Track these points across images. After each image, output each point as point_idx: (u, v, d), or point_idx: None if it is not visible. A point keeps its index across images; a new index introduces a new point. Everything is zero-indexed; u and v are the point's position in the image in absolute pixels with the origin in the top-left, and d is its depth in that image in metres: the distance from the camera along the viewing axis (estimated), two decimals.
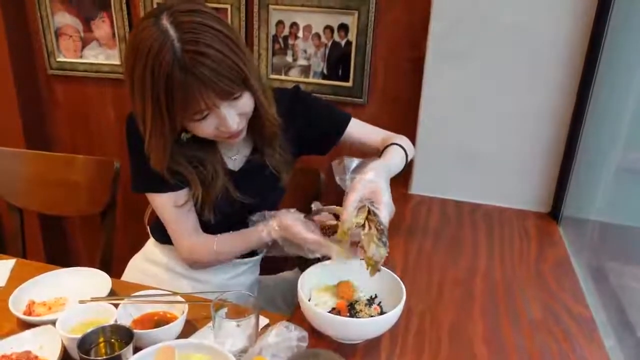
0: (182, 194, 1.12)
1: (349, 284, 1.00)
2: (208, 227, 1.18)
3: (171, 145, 1.03)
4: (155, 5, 1.83)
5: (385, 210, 0.96)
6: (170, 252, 1.27)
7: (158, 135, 0.99)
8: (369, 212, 0.94)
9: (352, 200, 0.95)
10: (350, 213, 0.94)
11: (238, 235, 1.17)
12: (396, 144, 1.20)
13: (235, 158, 1.18)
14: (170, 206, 1.12)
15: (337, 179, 1.03)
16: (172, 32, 0.90)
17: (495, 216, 1.46)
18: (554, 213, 1.46)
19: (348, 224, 0.94)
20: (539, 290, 1.11)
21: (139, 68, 0.93)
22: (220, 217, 1.16)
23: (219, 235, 1.18)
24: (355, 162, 1.03)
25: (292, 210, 1.12)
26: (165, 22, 0.91)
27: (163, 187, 1.10)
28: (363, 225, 0.94)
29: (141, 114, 0.99)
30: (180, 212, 1.13)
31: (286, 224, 1.08)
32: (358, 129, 1.27)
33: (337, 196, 1.07)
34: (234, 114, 1.00)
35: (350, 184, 0.99)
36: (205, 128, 1.00)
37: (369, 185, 0.97)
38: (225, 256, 1.20)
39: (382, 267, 1.00)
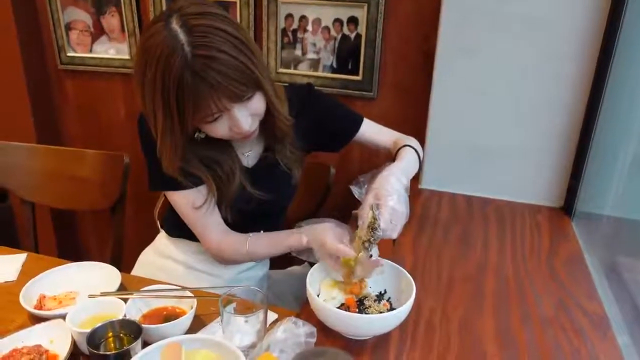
0: (200, 193, 1.11)
1: (362, 282, 0.99)
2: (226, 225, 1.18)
3: (183, 148, 1.02)
4: None
5: (387, 214, 0.95)
6: (181, 246, 1.28)
7: (169, 138, 0.99)
8: (373, 217, 0.94)
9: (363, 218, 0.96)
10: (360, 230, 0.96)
11: (271, 237, 1.16)
12: (408, 146, 1.20)
13: (248, 154, 1.18)
14: (191, 207, 1.12)
15: (356, 195, 1.03)
16: (182, 36, 0.89)
17: (507, 211, 1.45)
18: (567, 208, 1.44)
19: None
20: (551, 286, 1.10)
21: (150, 73, 0.92)
22: (236, 215, 1.16)
23: (251, 235, 1.17)
24: (368, 175, 1.04)
25: (334, 221, 1.08)
26: (175, 25, 0.90)
27: (181, 185, 1.10)
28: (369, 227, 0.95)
29: (152, 117, 0.99)
30: (201, 212, 1.12)
31: (320, 236, 1.03)
32: (370, 129, 1.26)
33: (347, 190, 1.06)
34: (246, 115, 0.99)
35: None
36: (218, 129, 1.00)
37: (374, 192, 0.98)
38: (257, 257, 1.20)
39: (392, 263, 1.00)
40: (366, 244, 0.94)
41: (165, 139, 0.99)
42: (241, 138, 1.04)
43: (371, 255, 0.96)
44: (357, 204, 1.01)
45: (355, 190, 1.03)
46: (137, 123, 1.11)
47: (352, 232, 1.02)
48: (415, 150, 1.19)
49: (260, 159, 1.19)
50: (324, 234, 1.01)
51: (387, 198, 0.96)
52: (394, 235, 0.97)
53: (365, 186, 1.01)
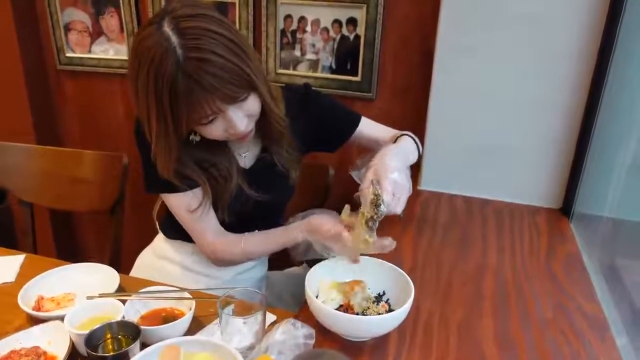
0: (195, 196, 1.11)
1: (360, 283, 0.99)
2: (223, 226, 1.18)
3: (178, 151, 1.02)
4: None
5: (389, 187, 0.95)
6: (180, 248, 1.28)
7: (164, 141, 0.99)
8: (374, 193, 0.93)
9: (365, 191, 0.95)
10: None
11: (266, 235, 1.16)
12: (406, 134, 1.22)
13: (245, 155, 1.18)
14: (186, 209, 1.12)
15: (356, 179, 1.02)
16: (174, 38, 0.89)
17: (506, 212, 1.45)
18: (566, 209, 1.44)
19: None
20: (550, 288, 1.10)
21: (143, 76, 0.92)
22: (234, 216, 1.16)
23: (246, 234, 1.17)
24: (366, 157, 1.04)
25: (327, 210, 1.08)
26: (167, 28, 0.90)
27: (176, 187, 1.10)
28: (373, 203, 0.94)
29: (146, 120, 0.98)
30: (196, 215, 1.12)
31: (314, 222, 1.04)
32: (368, 128, 1.26)
33: (346, 191, 1.06)
34: (241, 116, 0.99)
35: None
36: (213, 131, 1.00)
37: (373, 169, 0.98)
38: (253, 256, 1.20)
39: (390, 264, 1.00)
40: (370, 223, 0.92)
41: (159, 142, 0.99)
42: (237, 139, 1.04)
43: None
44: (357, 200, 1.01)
45: (354, 174, 1.03)
46: (134, 125, 1.11)
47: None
48: (414, 139, 1.21)
49: (257, 159, 1.19)
50: (317, 219, 1.02)
51: (387, 172, 0.96)
52: (398, 210, 0.97)
53: (364, 169, 1.01)
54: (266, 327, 0.90)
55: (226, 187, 1.11)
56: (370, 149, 1.29)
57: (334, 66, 1.73)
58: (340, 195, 1.66)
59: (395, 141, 1.21)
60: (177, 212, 1.14)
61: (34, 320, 0.96)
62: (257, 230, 1.19)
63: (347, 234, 0.97)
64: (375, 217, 0.92)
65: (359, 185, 1.00)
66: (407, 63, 1.66)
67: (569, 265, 1.19)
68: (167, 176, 1.05)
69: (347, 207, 0.99)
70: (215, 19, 0.93)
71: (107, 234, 1.63)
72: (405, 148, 1.15)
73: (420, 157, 1.25)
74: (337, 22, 1.67)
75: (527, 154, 1.46)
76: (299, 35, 1.72)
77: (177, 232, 1.24)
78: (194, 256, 1.26)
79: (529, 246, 1.27)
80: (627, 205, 1.21)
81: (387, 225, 0.98)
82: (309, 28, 1.70)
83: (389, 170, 0.97)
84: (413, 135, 1.24)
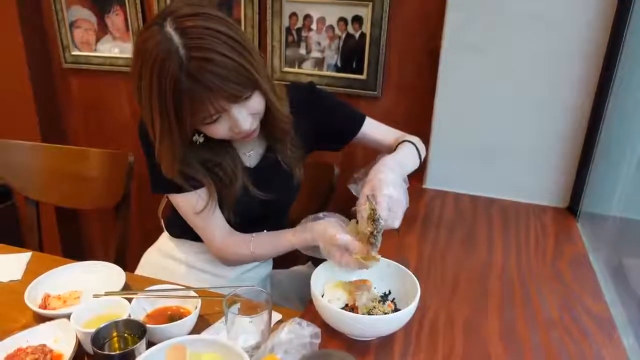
0: (200, 197, 1.11)
1: (366, 283, 0.99)
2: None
3: (182, 151, 1.02)
4: None
5: (384, 202, 0.94)
6: (185, 246, 1.28)
7: (167, 143, 0.98)
8: (371, 207, 0.93)
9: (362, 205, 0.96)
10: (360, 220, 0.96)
11: (275, 236, 1.15)
12: (407, 141, 1.21)
13: (250, 155, 1.18)
14: (192, 209, 1.11)
15: (354, 193, 1.02)
16: (176, 39, 0.89)
17: (511, 211, 1.44)
18: (573, 208, 1.44)
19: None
20: (556, 288, 1.09)
21: (146, 77, 0.92)
22: (240, 216, 1.16)
23: (254, 235, 1.17)
24: (362, 170, 1.04)
25: (336, 215, 1.07)
26: (169, 28, 0.90)
27: (182, 188, 1.09)
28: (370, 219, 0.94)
29: (150, 121, 0.98)
30: (203, 215, 1.12)
31: (318, 227, 1.03)
32: (372, 129, 1.26)
33: (350, 191, 1.06)
34: (245, 114, 0.99)
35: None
36: (218, 130, 1.00)
37: (369, 184, 0.98)
38: (262, 257, 1.19)
39: (396, 263, 1.00)
40: (371, 239, 0.92)
41: (163, 142, 0.99)
42: (242, 138, 1.04)
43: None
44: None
45: (352, 188, 1.03)
46: (138, 126, 1.10)
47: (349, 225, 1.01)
48: (415, 146, 1.20)
49: (262, 158, 1.19)
50: (330, 228, 1.00)
51: (382, 187, 0.96)
52: (396, 225, 0.97)
53: (361, 182, 1.01)
54: (272, 326, 0.90)
55: (231, 187, 1.11)
56: (373, 150, 1.29)
57: (339, 64, 1.72)
58: (345, 194, 1.65)
59: (395, 148, 1.20)
60: (184, 212, 1.14)
61: (41, 318, 0.97)
62: (265, 231, 1.19)
63: (355, 244, 0.96)
64: (375, 232, 0.92)
65: (356, 197, 1.00)
66: (413, 61, 1.65)
67: (576, 264, 1.19)
68: (171, 176, 1.05)
69: (353, 221, 0.99)
70: (218, 17, 0.93)
71: (113, 232, 1.64)
72: (403, 159, 1.13)
73: (424, 157, 1.24)
74: (342, 20, 1.66)
75: (533, 153, 1.45)
76: (304, 34, 1.72)
77: (182, 230, 1.24)
78: (199, 255, 1.26)
79: (535, 245, 1.26)
80: (634, 204, 1.20)
81: (389, 230, 0.98)
82: (314, 26, 1.70)
83: (384, 185, 0.96)
84: (415, 141, 1.22)
